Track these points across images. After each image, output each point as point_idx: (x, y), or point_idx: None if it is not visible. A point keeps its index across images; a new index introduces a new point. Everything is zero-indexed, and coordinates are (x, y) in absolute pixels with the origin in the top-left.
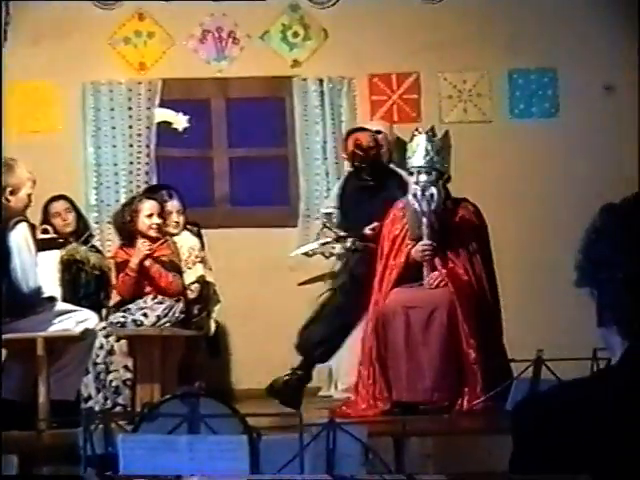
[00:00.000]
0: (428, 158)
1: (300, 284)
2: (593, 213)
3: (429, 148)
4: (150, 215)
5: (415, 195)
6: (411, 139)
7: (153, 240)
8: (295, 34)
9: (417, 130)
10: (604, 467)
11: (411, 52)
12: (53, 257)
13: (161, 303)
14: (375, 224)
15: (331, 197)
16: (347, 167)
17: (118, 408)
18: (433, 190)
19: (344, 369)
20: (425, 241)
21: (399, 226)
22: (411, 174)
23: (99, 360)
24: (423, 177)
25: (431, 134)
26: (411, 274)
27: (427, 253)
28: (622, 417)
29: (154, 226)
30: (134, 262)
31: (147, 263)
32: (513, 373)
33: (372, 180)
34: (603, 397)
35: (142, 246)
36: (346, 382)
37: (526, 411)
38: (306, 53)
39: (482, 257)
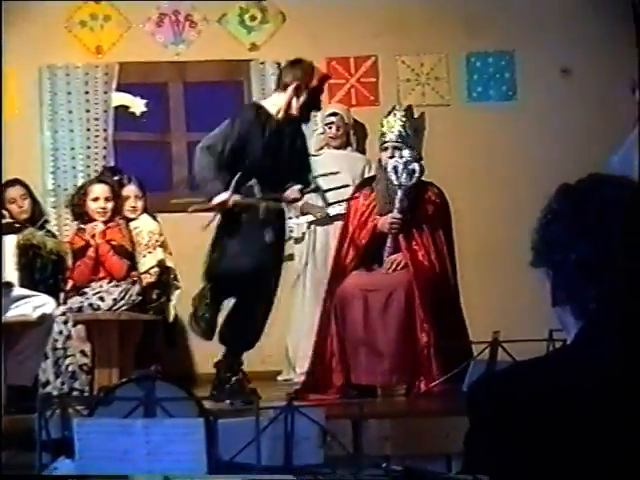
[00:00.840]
0: (405, 134)
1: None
2: (548, 194)
3: (407, 126)
4: (96, 199)
5: (395, 168)
6: (388, 114)
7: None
8: (252, 17)
9: (395, 107)
10: (558, 446)
11: (369, 35)
12: (9, 242)
13: (117, 286)
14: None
15: None
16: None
17: (75, 393)
18: (415, 166)
19: (302, 352)
20: (395, 214)
21: (364, 207)
22: (385, 149)
23: (58, 345)
24: (406, 152)
25: (409, 113)
26: (370, 256)
27: (395, 226)
28: (576, 396)
29: (99, 210)
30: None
31: (96, 244)
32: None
33: None
34: (557, 376)
35: (89, 229)
36: (304, 366)
37: (481, 390)
38: (264, 36)
39: (445, 240)
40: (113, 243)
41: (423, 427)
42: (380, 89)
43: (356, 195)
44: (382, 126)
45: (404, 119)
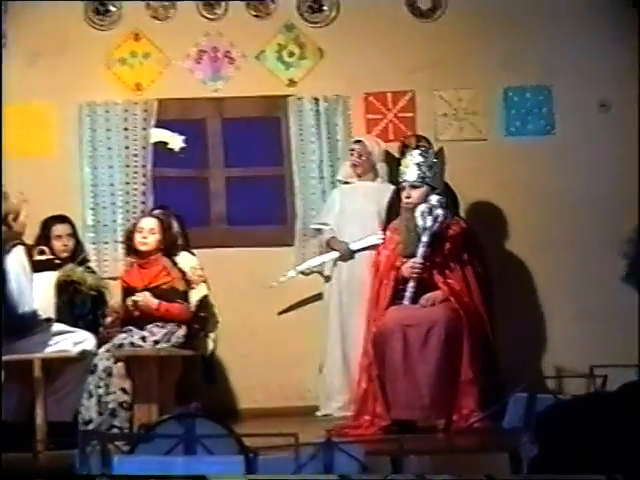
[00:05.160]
0: (420, 173)
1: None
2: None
3: (421, 164)
4: (141, 230)
5: (422, 212)
6: (404, 154)
7: (144, 256)
8: (291, 53)
9: (409, 146)
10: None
11: (406, 70)
12: (49, 278)
13: (162, 328)
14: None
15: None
16: (338, 177)
17: (114, 431)
18: (440, 212)
19: (337, 387)
20: (418, 259)
21: (392, 245)
22: (403, 189)
23: (101, 384)
24: (434, 197)
25: (423, 150)
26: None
27: (416, 271)
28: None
29: (141, 240)
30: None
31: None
32: (506, 391)
33: None
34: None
35: (147, 301)
36: (340, 400)
37: (551, 420)
38: (302, 72)
39: (475, 274)
40: (164, 287)
41: (463, 463)
42: (417, 124)
43: (384, 238)
44: (400, 166)
45: (420, 158)
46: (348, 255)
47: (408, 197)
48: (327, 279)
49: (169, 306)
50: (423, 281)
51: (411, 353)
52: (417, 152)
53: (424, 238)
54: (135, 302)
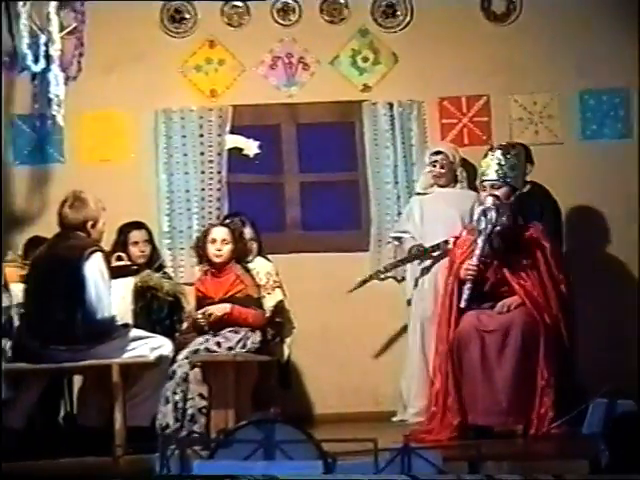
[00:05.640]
0: (501, 173)
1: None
2: None
3: (503, 163)
4: (214, 241)
5: (478, 214)
6: (485, 155)
7: (217, 265)
8: (365, 59)
9: (492, 146)
10: None
11: (481, 75)
12: (127, 284)
13: (236, 333)
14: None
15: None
16: (418, 189)
17: (194, 436)
18: (494, 214)
19: (415, 392)
20: (473, 261)
21: (465, 246)
22: (484, 189)
23: (178, 390)
24: (489, 200)
25: (505, 150)
26: (481, 293)
27: (470, 272)
28: None
29: (215, 252)
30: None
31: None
32: (586, 397)
33: None
34: None
35: (218, 311)
36: (417, 406)
37: (629, 425)
38: (376, 77)
39: (551, 278)
40: (239, 296)
41: (541, 469)
42: (493, 128)
43: (456, 238)
44: (481, 166)
45: (501, 157)
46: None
47: (490, 196)
48: (414, 284)
49: (242, 311)
50: (499, 284)
51: (489, 359)
52: (499, 151)
53: (479, 241)
54: (209, 314)
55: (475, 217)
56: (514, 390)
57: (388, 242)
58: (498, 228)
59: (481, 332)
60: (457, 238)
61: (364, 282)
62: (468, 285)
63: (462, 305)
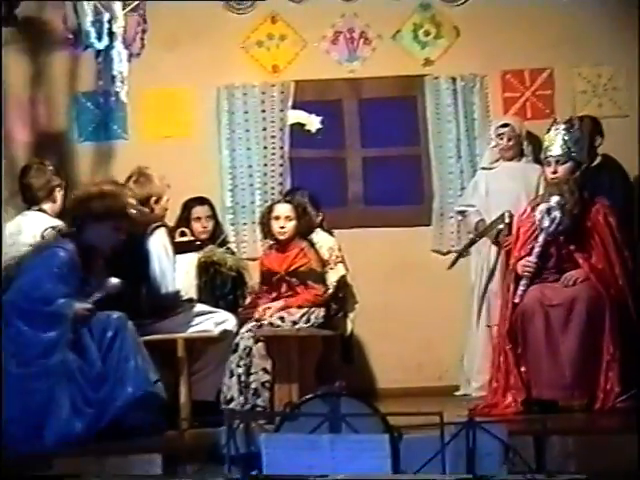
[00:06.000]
0: (566, 148)
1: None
2: None
3: (567, 138)
4: (277, 217)
5: (541, 212)
6: (548, 130)
7: (281, 242)
8: (427, 33)
9: (555, 121)
10: None
11: (544, 47)
12: (191, 260)
13: (300, 308)
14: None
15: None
16: (483, 164)
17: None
18: (557, 214)
19: (478, 367)
20: (532, 258)
21: (529, 222)
22: (548, 164)
23: (241, 363)
24: (554, 199)
25: (569, 125)
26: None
27: (528, 269)
28: None
29: (278, 229)
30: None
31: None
32: None
33: None
34: None
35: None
36: (479, 380)
37: None
38: (438, 51)
39: (618, 253)
40: (303, 270)
41: (606, 444)
42: (556, 101)
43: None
44: (545, 141)
45: (565, 132)
46: (494, 237)
47: (554, 172)
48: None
49: (305, 289)
50: (564, 259)
51: (553, 333)
52: (562, 126)
53: (540, 238)
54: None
55: (538, 216)
56: (579, 364)
57: (451, 216)
58: (561, 228)
59: (545, 306)
60: (522, 214)
61: (460, 256)
62: (524, 282)
63: (516, 301)
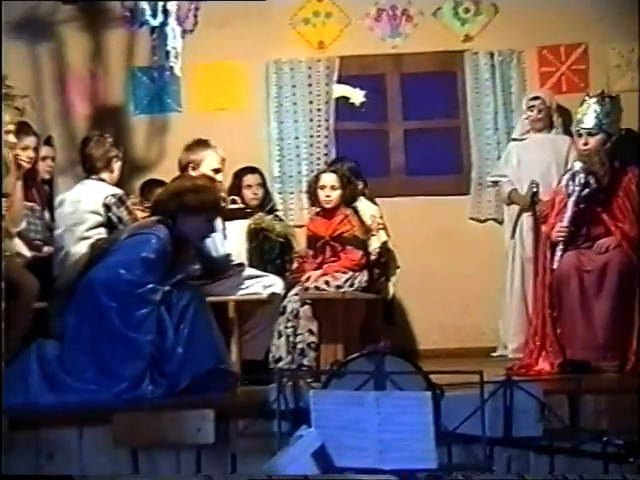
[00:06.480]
0: (597, 120)
1: None
2: None
3: (598, 111)
4: (323, 187)
5: (567, 179)
6: (581, 103)
7: (326, 211)
8: (466, 10)
9: (587, 95)
10: None
11: (579, 23)
12: (241, 226)
13: (344, 273)
14: None
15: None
16: (514, 135)
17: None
18: (582, 177)
19: (513, 329)
20: (564, 223)
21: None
22: (580, 136)
23: (289, 324)
24: (577, 164)
25: (600, 98)
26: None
27: (562, 235)
28: None
29: (324, 198)
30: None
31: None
32: None
33: None
34: None
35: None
36: (516, 342)
37: None
38: (477, 28)
39: None
40: (346, 235)
41: (637, 403)
42: (590, 76)
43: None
44: (577, 114)
45: (597, 105)
46: (528, 206)
47: (585, 144)
48: (501, 223)
49: (346, 253)
50: (597, 226)
51: (587, 297)
52: (594, 99)
53: (569, 204)
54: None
55: (564, 182)
56: (611, 327)
57: (488, 186)
58: (587, 191)
59: (580, 272)
60: (558, 183)
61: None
62: (560, 247)
63: (554, 267)
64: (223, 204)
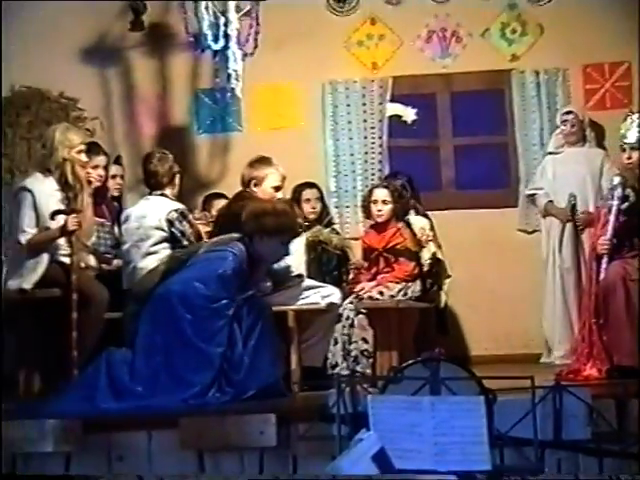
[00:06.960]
0: None
1: None
2: None
3: None
4: (375, 201)
5: (607, 193)
6: (625, 118)
7: (379, 224)
8: (513, 30)
9: (631, 110)
10: None
11: (622, 42)
12: (300, 239)
13: (397, 283)
14: None
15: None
16: (549, 149)
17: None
18: (619, 191)
19: (559, 337)
20: (607, 236)
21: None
22: (623, 150)
23: (345, 332)
24: (617, 179)
25: None
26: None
27: (605, 248)
28: None
29: (376, 212)
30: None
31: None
32: None
33: None
34: None
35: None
36: (561, 349)
37: None
38: (523, 48)
39: None
40: (399, 247)
41: None
42: (633, 92)
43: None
44: (620, 129)
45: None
46: (566, 218)
47: (629, 158)
48: (559, 241)
49: (398, 264)
50: None
51: (633, 305)
52: (637, 115)
53: (611, 217)
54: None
55: (606, 196)
56: None
57: (528, 198)
58: (626, 204)
59: (626, 280)
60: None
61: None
62: (605, 259)
63: (600, 278)
64: (300, 229)
